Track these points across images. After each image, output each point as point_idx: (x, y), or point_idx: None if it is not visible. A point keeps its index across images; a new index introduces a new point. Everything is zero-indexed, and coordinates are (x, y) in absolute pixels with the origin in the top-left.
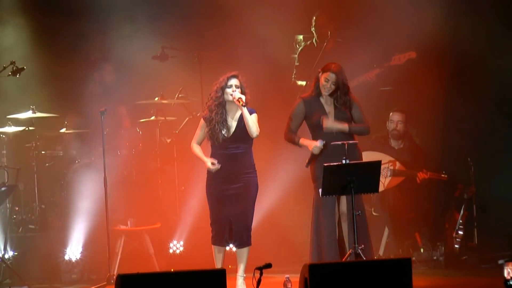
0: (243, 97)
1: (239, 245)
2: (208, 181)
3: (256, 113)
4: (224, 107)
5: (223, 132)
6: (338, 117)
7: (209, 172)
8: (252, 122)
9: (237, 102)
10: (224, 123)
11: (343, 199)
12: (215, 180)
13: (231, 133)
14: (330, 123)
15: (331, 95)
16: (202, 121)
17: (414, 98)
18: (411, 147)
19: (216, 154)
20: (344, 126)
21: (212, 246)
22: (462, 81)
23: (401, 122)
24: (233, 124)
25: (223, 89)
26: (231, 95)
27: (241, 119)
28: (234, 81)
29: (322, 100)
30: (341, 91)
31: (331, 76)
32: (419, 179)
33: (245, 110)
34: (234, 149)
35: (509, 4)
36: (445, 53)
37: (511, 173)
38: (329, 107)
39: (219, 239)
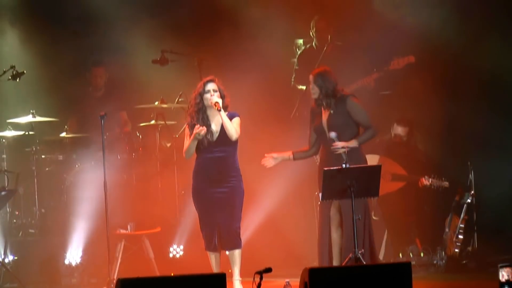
0: (220, 101)
1: (228, 248)
2: (194, 186)
3: (239, 116)
4: (205, 112)
5: (207, 137)
6: (330, 124)
7: (194, 177)
8: (230, 125)
9: (213, 106)
10: (208, 128)
11: (354, 203)
12: (201, 184)
13: (216, 137)
14: (340, 144)
15: (321, 99)
16: (186, 129)
17: (413, 102)
18: (413, 152)
19: (201, 158)
20: (353, 143)
21: (207, 251)
22: (460, 85)
23: (405, 136)
24: (216, 129)
25: (201, 95)
26: (209, 100)
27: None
28: (211, 86)
29: (323, 107)
30: (323, 94)
31: (310, 79)
32: (421, 184)
33: (222, 114)
34: (219, 153)
35: (506, 9)
36: (443, 57)
37: (511, 177)
38: (324, 114)
39: (209, 245)
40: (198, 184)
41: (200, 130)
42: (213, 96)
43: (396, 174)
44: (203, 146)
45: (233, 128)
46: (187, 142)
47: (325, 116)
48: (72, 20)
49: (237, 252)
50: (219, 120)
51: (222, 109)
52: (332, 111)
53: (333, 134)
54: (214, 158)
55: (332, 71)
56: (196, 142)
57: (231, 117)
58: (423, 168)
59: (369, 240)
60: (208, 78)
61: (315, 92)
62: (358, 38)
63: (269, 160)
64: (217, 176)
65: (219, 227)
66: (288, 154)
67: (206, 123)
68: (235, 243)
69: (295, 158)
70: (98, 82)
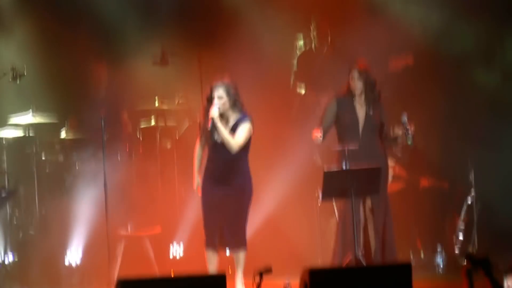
0: (216, 115)
1: (232, 249)
2: (202, 184)
3: (250, 120)
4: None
5: (215, 138)
6: (367, 124)
7: (204, 175)
8: (228, 139)
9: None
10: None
11: (368, 201)
12: (207, 183)
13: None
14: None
15: (362, 94)
16: (198, 127)
17: (411, 102)
18: (412, 152)
19: (211, 156)
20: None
21: (205, 249)
22: (460, 83)
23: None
24: (227, 130)
25: (208, 100)
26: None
27: (235, 126)
28: (217, 93)
29: (356, 103)
30: (367, 88)
31: (355, 74)
32: (421, 185)
33: (219, 129)
34: (228, 154)
35: (506, 7)
36: (443, 56)
37: None
38: (360, 112)
39: (210, 243)
40: (205, 182)
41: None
42: (214, 106)
43: (396, 175)
44: (210, 145)
45: (231, 141)
46: (198, 145)
47: (361, 113)
48: (73, 21)
49: (241, 253)
50: (230, 123)
51: (217, 124)
52: (371, 113)
53: (404, 118)
54: (222, 159)
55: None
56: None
57: (239, 122)
58: (423, 168)
59: (386, 238)
60: (216, 83)
61: (359, 86)
62: (356, 39)
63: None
64: (223, 177)
65: (224, 226)
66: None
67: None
68: (239, 245)
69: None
70: (98, 82)
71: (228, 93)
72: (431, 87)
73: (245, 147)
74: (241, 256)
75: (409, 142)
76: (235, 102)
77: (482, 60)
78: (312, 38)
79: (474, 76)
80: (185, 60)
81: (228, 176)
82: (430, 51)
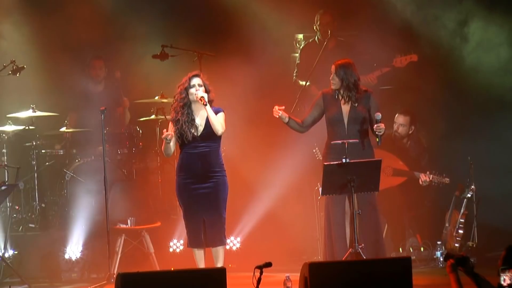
0: (205, 96)
1: (214, 245)
2: (177, 182)
3: (224, 112)
4: (190, 107)
5: (192, 131)
6: (351, 116)
7: (178, 172)
8: (216, 120)
9: (199, 101)
10: (192, 122)
11: (355, 197)
12: (185, 180)
13: (200, 132)
14: (383, 125)
15: (341, 91)
16: (170, 124)
17: (414, 97)
18: (416, 147)
19: (185, 153)
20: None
21: (192, 248)
22: (462, 80)
23: (404, 125)
24: (201, 123)
25: (186, 89)
26: (195, 94)
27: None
28: (196, 81)
29: (340, 96)
30: (343, 87)
31: (332, 69)
32: (421, 180)
33: (208, 108)
34: (203, 148)
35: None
36: (446, 54)
37: (511, 172)
38: (345, 105)
39: (196, 241)
40: (182, 180)
41: (167, 135)
42: (198, 90)
43: (397, 169)
44: (188, 140)
45: (219, 122)
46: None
47: (345, 108)
48: (73, 15)
49: (221, 249)
50: (203, 115)
51: (207, 104)
52: (356, 105)
53: (378, 116)
54: (198, 153)
55: (355, 65)
56: (169, 145)
57: (215, 112)
58: (424, 163)
59: (375, 235)
60: (193, 73)
61: (335, 83)
62: (360, 33)
63: (277, 112)
64: (201, 172)
65: (205, 223)
66: (286, 116)
67: (191, 118)
68: (221, 240)
69: (288, 123)
70: (98, 74)
71: (203, 83)
72: (433, 82)
73: (220, 138)
74: (221, 251)
75: (377, 141)
76: (208, 93)
77: (486, 57)
78: (316, 30)
79: (477, 72)
80: (185, 54)
81: (205, 171)
82: (435, 48)
